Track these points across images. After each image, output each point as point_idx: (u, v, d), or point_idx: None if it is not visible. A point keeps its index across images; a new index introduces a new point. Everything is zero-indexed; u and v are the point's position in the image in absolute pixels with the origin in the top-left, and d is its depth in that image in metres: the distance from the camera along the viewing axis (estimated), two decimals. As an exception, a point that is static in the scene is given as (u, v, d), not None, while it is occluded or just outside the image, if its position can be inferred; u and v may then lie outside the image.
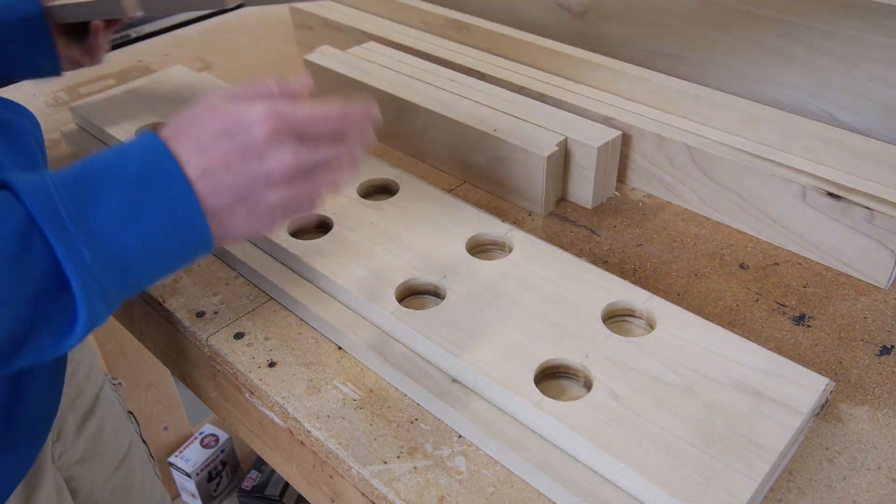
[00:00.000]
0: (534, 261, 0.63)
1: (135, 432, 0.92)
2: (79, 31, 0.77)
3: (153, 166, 0.43)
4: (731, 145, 0.73)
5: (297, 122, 0.45)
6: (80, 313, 0.41)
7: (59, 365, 0.68)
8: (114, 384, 0.90)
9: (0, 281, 0.38)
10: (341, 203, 0.71)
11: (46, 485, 0.68)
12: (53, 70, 0.74)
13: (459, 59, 0.91)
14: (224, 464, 1.52)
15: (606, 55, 0.85)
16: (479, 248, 0.67)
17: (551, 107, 0.80)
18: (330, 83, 0.91)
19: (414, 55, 0.94)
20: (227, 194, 0.44)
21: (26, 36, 0.71)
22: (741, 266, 0.70)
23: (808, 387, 0.51)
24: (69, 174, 0.42)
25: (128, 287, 0.43)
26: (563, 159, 0.76)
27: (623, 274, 0.68)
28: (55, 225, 0.39)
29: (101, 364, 1.29)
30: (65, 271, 0.40)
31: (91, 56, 0.78)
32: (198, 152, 0.43)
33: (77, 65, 0.78)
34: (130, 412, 0.93)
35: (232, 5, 0.64)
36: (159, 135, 0.44)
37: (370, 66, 0.90)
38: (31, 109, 1.01)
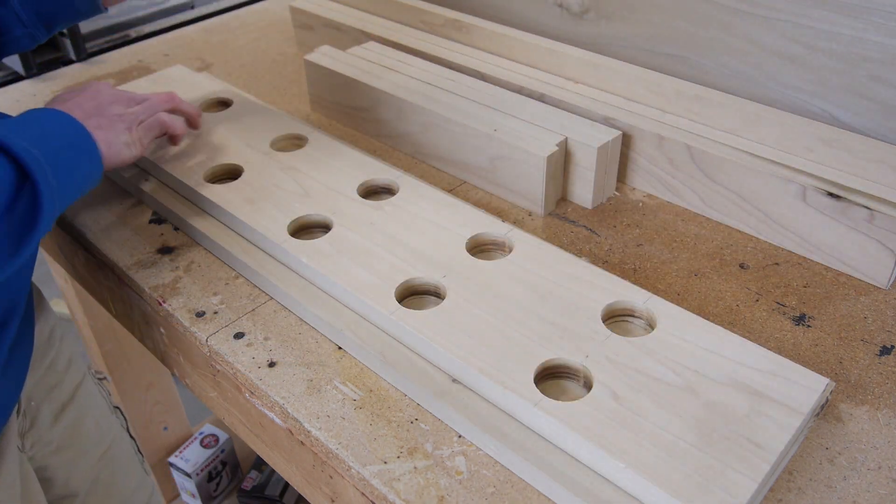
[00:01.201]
0: (534, 261, 0.63)
1: (121, 427, 0.92)
2: None
3: (40, 109, 0.64)
4: (731, 145, 0.73)
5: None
6: (42, 199, 0.55)
7: (18, 362, 0.68)
8: (99, 378, 0.90)
9: None
10: (341, 203, 0.71)
11: (8, 472, 0.68)
12: (93, 8, 0.77)
13: (459, 59, 0.91)
14: (224, 464, 1.53)
15: (606, 55, 0.85)
16: (479, 248, 0.67)
17: (551, 107, 0.80)
18: (330, 83, 0.91)
19: (414, 55, 0.94)
20: (84, 109, 0.67)
21: None
22: (741, 266, 0.70)
23: (808, 387, 0.51)
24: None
25: (59, 180, 0.57)
26: (563, 159, 0.76)
27: (623, 274, 0.68)
28: (8, 138, 0.54)
29: (101, 363, 1.29)
30: (26, 167, 0.54)
31: None
32: (63, 100, 0.70)
33: None
34: (118, 407, 0.93)
35: None
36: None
37: (370, 66, 0.90)
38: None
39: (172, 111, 0.76)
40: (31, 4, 0.72)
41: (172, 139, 0.77)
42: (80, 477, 0.84)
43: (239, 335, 0.63)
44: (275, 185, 0.73)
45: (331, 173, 0.75)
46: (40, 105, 1.02)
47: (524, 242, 0.65)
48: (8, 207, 0.54)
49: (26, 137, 0.56)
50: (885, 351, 0.60)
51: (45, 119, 0.62)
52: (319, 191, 0.72)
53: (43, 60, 1.14)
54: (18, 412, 0.74)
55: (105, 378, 0.92)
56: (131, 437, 0.95)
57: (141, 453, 0.97)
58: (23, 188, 0.55)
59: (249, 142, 0.80)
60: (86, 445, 0.85)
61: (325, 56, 0.93)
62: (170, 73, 0.95)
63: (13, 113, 1.00)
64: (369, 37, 1.00)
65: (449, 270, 0.62)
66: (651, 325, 0.57)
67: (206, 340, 0.63)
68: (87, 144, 0.63)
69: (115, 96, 0.71)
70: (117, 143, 0.67)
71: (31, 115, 0.62)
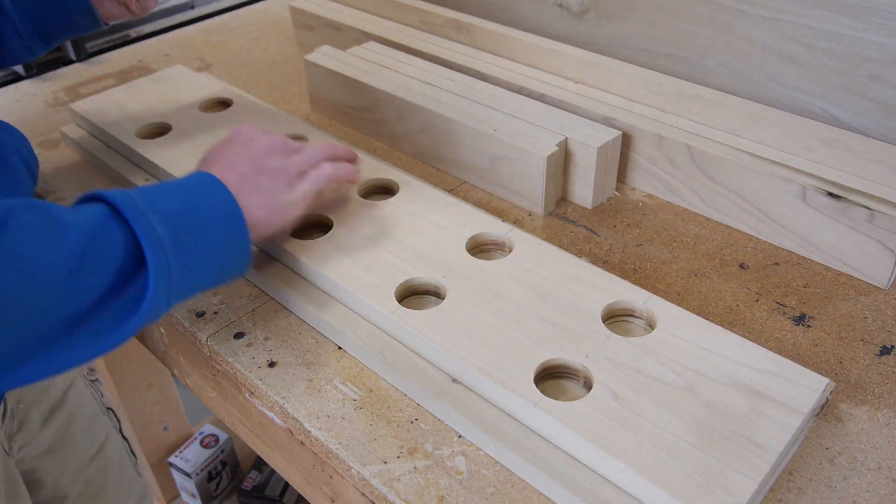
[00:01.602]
0: (534, 261, 0.63)
1: (113, 428, 0.92)
2: None
3: (195, 174, 0.57)
4: (731, 145, 0.73)
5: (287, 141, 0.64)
6: (150, 285, 0.48)
7: None
8: (90, 380, 0.90)
9: (81, 258, 0.45)
10: (341, 202, 0.71)
11: None
12: (93, 22, 0.74)
13: (459, 59, 0.91)
14: (224, 464, 1.52)
15: (606, 55, 0.85)
16: (479, 248, 0.67)
17: (551, 107, 0.80)
18: (330, 83, 0.91)
19: (414, 55, 0.94)
20: (239, 169, 0.59)
21: None
22: (741, 266, 0.70)
23: (808, 387, 0.51)
24: (134, 190, 0.52)
25: (187, 266, 0.51)
26: (563, 159, 0.76)
27: (623, 274, 0.68)
28: (132, 208, 0.49)
29: (101, 363, 1.29)
30: (140, 243, 0.48)
31: (139, 2, 0.76)
32: (216, 158, 0.61)
33: (126, 12, 0.76)
34: (110, 409, 0.93)
35: None
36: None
37: (370, 66, 0.90)
38: (31, 110, 1.01)
39: (332, 158, 0.66)
40: (29, 17, 0.70)
41: (350, 180, 0.67)
42: (71, 479, 0.84)
43: (239, 335, 0.63)
44: (275, 185, 0.73)
45: (331, 173, 0.75)
46: (39, 105, 1.02)
47: (524, 242, 0.65)
48: (111, 287, 0.47)
49: (159, 211, 0.50)
50: (885, 351, 0.60)
51: (193, 189, 0.55)
52: (319, 191, 0.72)
53: (43, 60, 1.14)
54: (4, 415, 0.74)
55: (97, 380, 0.92)
56: (124, 437, 0.95)
57: (133, 455, 0.97)
58: (138, 270, 0.49)
59: (249, 142, 0.80)
60: (76, 447, 0.84)
61: (325, 56, 0.93)
62: (170, 73, 0.95)
63: (11, 112, 1.00)
64: (369, 37, 1.00)
65: (449, 270, 0.62)
66: (651, 325, 0.57)
67: (206, 340, 0.63)
68: (234, 226, 0.55)
69: (269, 146, 0.63)
70: (279, 205, 0.59)
71: (181, 183, 0.55)
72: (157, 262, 0.48)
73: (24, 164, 0.64)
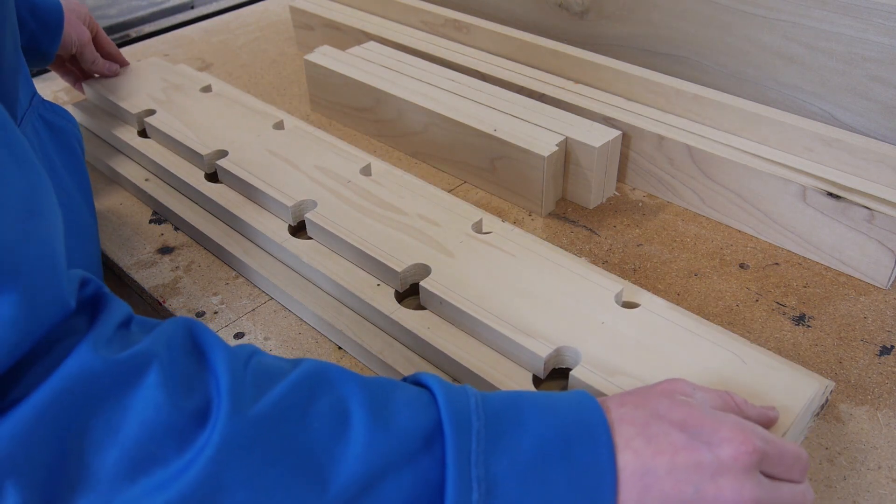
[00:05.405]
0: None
1: None
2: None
3: (583, 434, 0.39)
4: (731, 145, 0.73)
5: (770, 454, 0.40)
6: None
7: None
8: None
9: (390, 467, 0.37)
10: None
11: None
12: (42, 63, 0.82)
13: (459, 59, 0.91)
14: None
15: (606, 55, 0.85)
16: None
17: (551, 107, 0.80)
18: (330, 83, 0.91)
19: (414, 55, 0.94)
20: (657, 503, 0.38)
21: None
22: (741, 266, 0.70)
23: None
24: (494, 399, 0.41)
25: None
26: (563, 159, 0.76)
27: (623, 274, 0.68)
28: (460, 446, 0.38)
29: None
30: (444, 495, 0.37)
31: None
32: (642, 437, 0.39)
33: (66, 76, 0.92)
34: None
35: None
36: (603, 402, 0.42)
37: (370, 66, 0.90)
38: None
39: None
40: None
41: None
42: None
43: (239, 335, 0.63)
44: (275, 185, 0.73)
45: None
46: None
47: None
48: None
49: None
50: (885, 351, 0.60)
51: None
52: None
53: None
54: None
55: None
56: None
57: None
58: None
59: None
60: None
61: (325, 56, 0.93)
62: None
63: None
64: (369, 37, 1.00)
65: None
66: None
67: (206, 340, 0.63)
68: None
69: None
70: None
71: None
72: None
73: (80, 150, 0.65)
